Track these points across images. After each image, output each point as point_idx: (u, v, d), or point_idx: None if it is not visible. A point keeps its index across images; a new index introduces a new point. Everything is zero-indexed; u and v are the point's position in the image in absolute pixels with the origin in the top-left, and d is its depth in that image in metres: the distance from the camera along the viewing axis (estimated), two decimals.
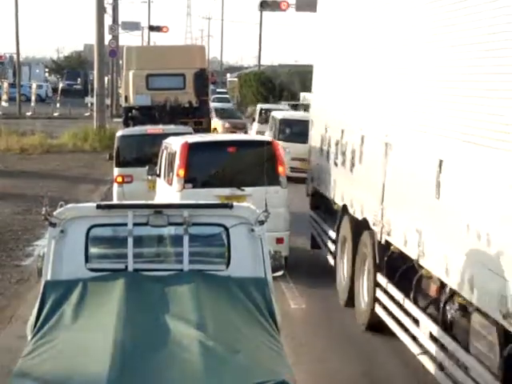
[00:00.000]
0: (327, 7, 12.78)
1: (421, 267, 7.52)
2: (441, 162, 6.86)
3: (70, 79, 77.25)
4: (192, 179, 11.50)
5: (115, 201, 14.19)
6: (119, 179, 15.31)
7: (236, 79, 66.66)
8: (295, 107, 35.46)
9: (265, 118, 29.77)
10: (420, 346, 7.59)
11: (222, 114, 35.24)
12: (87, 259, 5.79)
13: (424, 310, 7.64)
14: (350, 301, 10.25)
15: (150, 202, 6.73)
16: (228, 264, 5.86)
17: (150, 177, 13.56)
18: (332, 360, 8.72)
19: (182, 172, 11.41)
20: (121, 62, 36.72)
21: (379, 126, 9.04)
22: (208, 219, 5.94)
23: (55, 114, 48.00)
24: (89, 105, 48.42)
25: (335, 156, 11.25)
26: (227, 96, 58.72)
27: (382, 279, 8.99)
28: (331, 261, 11.61)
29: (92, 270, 5.76)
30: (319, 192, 12.67)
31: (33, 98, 49.44)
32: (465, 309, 6.58)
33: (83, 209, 5.96)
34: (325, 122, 12.28)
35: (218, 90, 62.86)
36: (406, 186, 7.91)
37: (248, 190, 11.32)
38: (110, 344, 4.64)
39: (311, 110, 14.08)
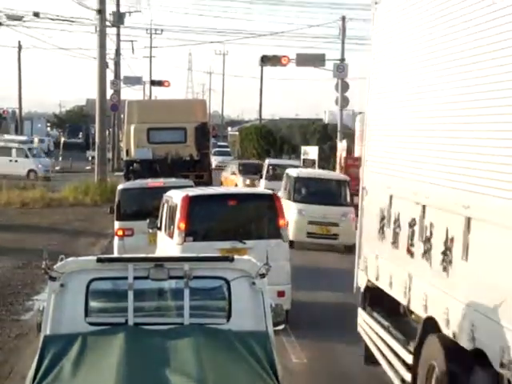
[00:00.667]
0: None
1: None
2: None
3: (71, 133, 77.68)
4: (193, 232, 11.49)
5: (116, 254, 14.14)
6: (120, 232, 15.29)
7: (237, 133, 67.14)
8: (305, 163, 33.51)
9: (273, 174, 28.01)
10: None
11: (245, 170, 32.90)
12: (87, 313, 5.75)
13: None
14: None
15: (150, 255, 6.71)
16: (229, 317, 5.82)
17: (150, 230, 13.54)
18: None
19: (182, 225, 11.40)
20: (122, 115, 37.02)
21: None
22: (209, 272, 5.91)
23: (57, 168, 48.16)
24: (90, 158, 48.62)
25: (409, 242, 8.06)
26: (228, 149, 59.07)
27: None
28: None
29: (92, 324, 5.71)
30: (377, 288, 9.27)
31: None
32: None
33: (83, 262, 5.94)
34: (389, 191, 9.02)
35: (219, 144, 63.28)
36: None
37: (249, 242, 11.30)
38: None
39: (364, 174, 10.33)
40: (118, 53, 50.95)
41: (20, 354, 10.50)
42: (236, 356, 5.34)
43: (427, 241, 7.46)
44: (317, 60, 35.67)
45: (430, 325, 7.19)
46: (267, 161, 30.55)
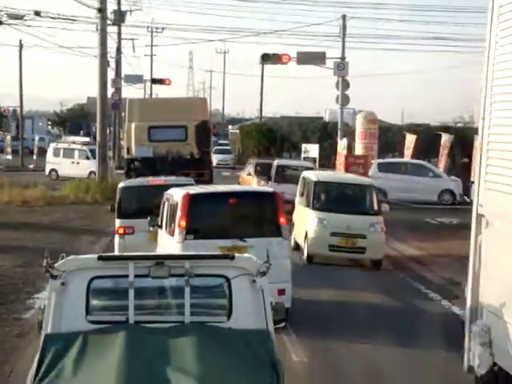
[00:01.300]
0: None
1: None
2: None
3: (72, 132, 77.73)
4: (193, 230, 11.49)
5: (117, 252, 14.14)
6: (121, 230, 15.29)
7: (238, 131, 67.09)
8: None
9: (282, 176, 25.62)
10: None
11: (262, 170, 28.61)
12: (88, 311, 5.76)
13: None
14: None
15: (151, 253, 6.71)
16: (229, 315, 5.82)
17: (151, 228, 13.55)
18: None
19: (183, 223, 11.41)
20: (123, 113, 37.01)
21: None
22: (209, 270, 5.92)
23: None
24: None
25: None
26: (229, 148, 59.04)
27: None
28: None
29: (93, 322, 5.71)
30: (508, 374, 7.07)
31: (35, 150, 49.70)
32: None
33: (84, 260, 5.94)
34: None
35: (219, 142, 63.23)
36: None
37: (250, 241, 11.30)
38: None
39: (481, 196, 7.89)
40: (118, 51, 50.96)
41: (21, 353, 10.50)
42: (236, 354, 5.34)
43: None
44: (317, 58, 35.63)
45: None
46: (276, 161, 27.93)
